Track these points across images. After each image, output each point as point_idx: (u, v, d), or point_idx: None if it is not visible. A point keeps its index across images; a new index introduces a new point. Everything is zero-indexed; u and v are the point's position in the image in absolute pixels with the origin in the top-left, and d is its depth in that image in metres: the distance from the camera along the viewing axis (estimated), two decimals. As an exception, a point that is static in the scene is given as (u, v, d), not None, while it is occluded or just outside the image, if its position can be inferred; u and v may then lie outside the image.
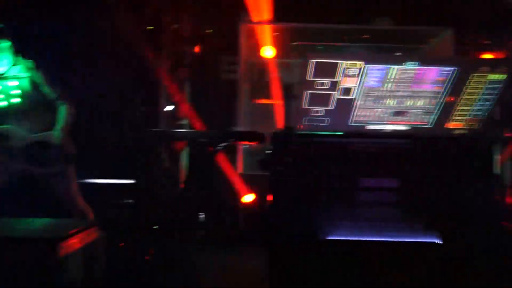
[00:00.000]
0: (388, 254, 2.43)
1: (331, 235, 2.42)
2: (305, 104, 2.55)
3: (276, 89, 5.23)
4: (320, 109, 2.57)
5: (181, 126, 5.20)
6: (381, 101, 2.57)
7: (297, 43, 5.27)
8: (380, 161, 2.57)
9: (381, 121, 2.65)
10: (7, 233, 2.00)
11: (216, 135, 2.44)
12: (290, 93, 2.72)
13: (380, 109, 2.60)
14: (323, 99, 2.54)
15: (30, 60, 3.05)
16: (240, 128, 2.26)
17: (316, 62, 2.42)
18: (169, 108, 5.09)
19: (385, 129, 2.66)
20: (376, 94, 2.55)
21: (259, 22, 5.11)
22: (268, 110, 5.25)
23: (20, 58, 3.03)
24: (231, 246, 4.19)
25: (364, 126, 2.65)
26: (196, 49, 5.22)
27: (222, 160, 4.33)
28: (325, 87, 2.50)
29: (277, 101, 5.17)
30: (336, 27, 5.17)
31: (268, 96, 5.31)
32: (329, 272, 2.39)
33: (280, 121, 4.78)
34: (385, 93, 2.55)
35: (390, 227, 2.47)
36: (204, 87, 5.38)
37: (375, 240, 2.44)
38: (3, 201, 3.02)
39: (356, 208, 2.54)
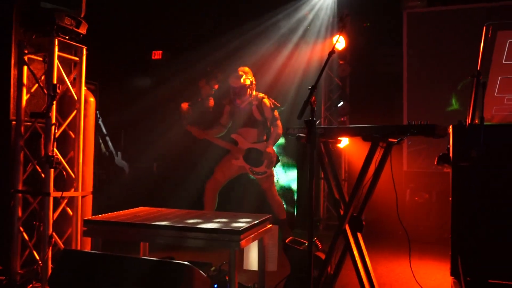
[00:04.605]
0: None
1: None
2: (497, 92, 2.24)
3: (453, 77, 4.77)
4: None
5: (341, 123, 5.13)
6: None
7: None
8: None
9: None
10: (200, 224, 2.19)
11: (390, 129, 2.28)
12: (478, 80, 2.40)
13: None
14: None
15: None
16: (410, 122, 2.06)
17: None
18: (340, 104, 5.10)
19: None
20: None
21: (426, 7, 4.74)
22: (436, 101, 4.92)
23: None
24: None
25: None
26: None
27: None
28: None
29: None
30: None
31: (437, 87, 4.90)
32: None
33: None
34: None
35: None
36: (364, 82, 5.22)
37: None
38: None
39: None
